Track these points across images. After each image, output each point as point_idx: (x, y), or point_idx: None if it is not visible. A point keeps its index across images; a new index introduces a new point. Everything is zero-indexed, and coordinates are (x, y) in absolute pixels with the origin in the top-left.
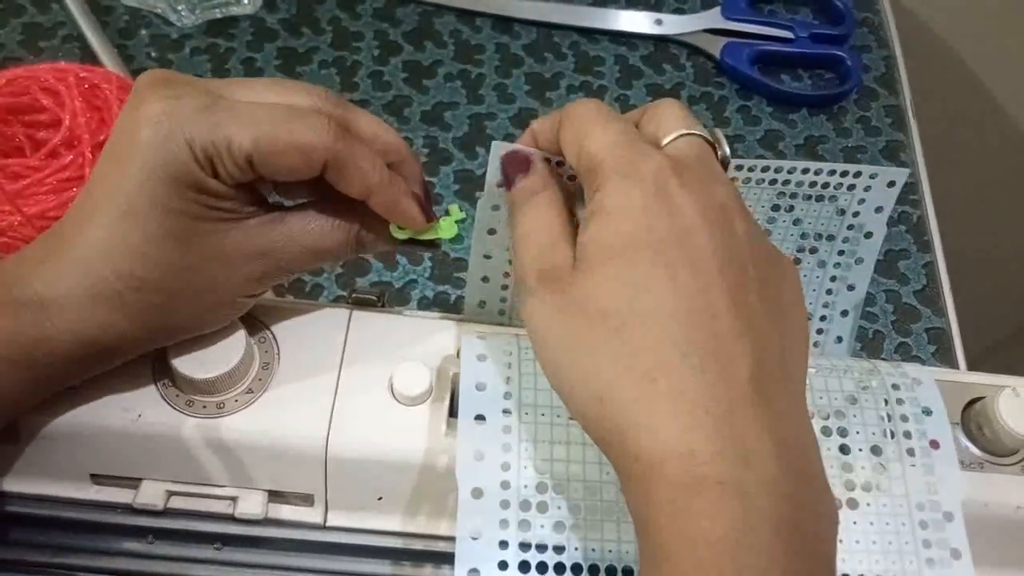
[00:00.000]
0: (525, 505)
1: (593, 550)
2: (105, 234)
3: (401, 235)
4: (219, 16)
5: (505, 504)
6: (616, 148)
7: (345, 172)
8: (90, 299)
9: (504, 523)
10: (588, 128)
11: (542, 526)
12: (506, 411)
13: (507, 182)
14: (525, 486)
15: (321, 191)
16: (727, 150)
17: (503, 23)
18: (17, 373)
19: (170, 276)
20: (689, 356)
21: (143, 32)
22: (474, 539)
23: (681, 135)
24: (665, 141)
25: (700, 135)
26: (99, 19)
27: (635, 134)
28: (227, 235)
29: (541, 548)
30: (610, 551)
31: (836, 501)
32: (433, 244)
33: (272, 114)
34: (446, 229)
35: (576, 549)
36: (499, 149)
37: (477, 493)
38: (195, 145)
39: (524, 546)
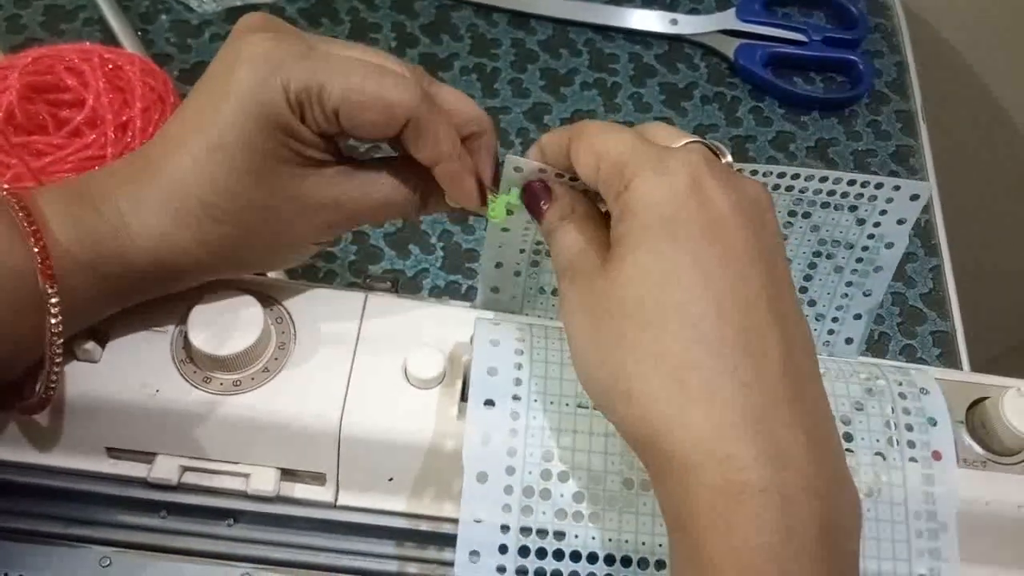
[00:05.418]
0: (528, 491)
1: (593, 538)
2: (193, 163)
3: (453, 203)
4: (239, 4)
5: (509, 489)
6: (639, 148)
7: (421, 135)
8: (170, 223)
9: (507, 508)
10: (603, 137)
11: (544, 512)
12: (516, 397)
13: (535, 213)
14: (530, 472)
15: (392, 143)
16: (730, 157)
17: (520, 18)
18: (93, 281)
19: (248, 212)
20: (721, 355)
21: (163, 17)
22: (477, 522)
23: (689, 143)
24: (676, 147)
25: (705, 143)
26: (120, 3)
27: (650, 140)
28: (305, 180)
29: (542, 533)
30: (610, 540)
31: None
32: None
33: (364, 68)
34: (496, 210)
35: (576, 536)
36: (511, 163)
37: (482, 477)
38: (289, 89)
39: (525, 531)
